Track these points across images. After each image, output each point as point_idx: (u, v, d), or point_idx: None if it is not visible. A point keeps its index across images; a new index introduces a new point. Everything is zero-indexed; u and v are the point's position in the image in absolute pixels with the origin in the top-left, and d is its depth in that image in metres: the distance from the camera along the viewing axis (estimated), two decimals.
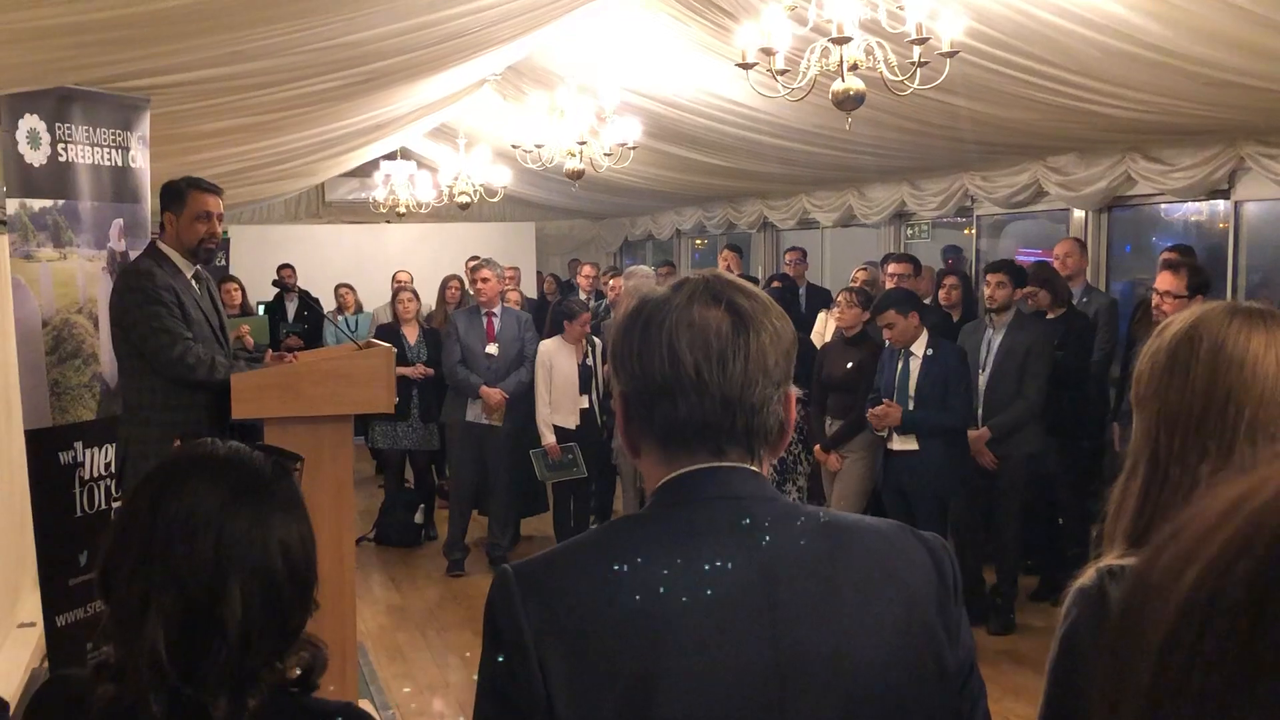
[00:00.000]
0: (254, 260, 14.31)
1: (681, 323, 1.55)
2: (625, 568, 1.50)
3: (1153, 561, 0.74)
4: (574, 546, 1.61)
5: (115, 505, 5.72)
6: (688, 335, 1.54)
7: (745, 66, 5.30)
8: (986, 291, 7.53)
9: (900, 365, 7.20)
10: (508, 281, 10.56)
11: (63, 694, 1.80)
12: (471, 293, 9.31)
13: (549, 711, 1.45)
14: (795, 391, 1.64)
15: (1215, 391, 1.70)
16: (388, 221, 15.44)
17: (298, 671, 1.76)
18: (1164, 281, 6.22)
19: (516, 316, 9.13)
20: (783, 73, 5.22)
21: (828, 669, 1.49)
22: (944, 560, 1.61)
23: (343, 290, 12.60)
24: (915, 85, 5.26)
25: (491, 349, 8.83)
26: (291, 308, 12.78)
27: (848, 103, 5.19)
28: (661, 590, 1.48)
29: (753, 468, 1.58)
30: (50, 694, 1.83)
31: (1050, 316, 7.79)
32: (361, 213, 15.94)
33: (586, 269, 13.09)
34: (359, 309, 12.48)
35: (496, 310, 8.96)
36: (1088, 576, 1.69)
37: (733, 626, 1.48)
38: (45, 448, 5.49)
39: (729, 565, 1.50)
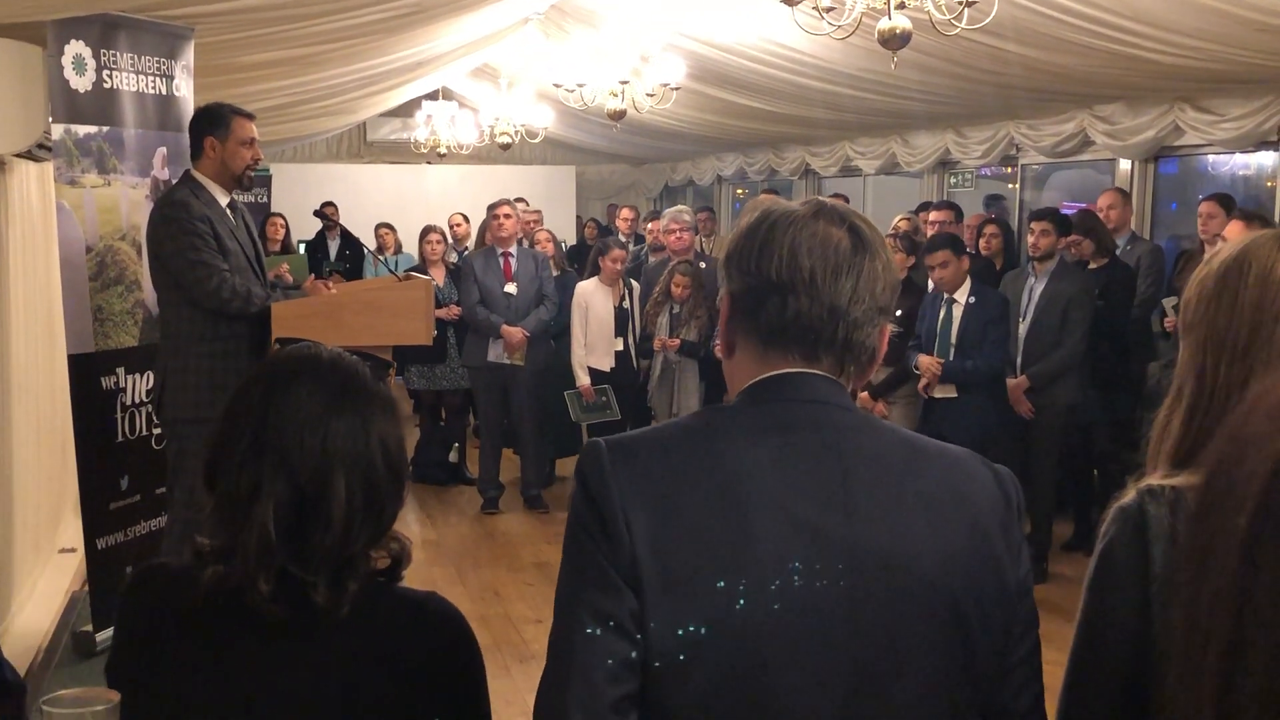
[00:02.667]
0: (295, 199, 14.30)
1: (805, 231, 1.63)
2: (713, 448, 1.59)
3: (1246, 419, 0.75)
4: (665, 427, 1.70)
5: (156, 431, 5.78)
6: (809, 244, 1.63)
7: (790, 3, 5.25)
8: (1030, 239, 7.48)
9: (943, 312, 7.17)
10: (531, 226, 10.49)
11: (163, 577, 1.90)
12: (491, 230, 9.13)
13: (634, 567, 1.52)
14: (890, 327, 1.70)
15: (1263, 317, 1.70)
16: (428, 163, 15.42)
17: (387, 561, 1.88)
18: (1234, 230, 6.19)
19: (533, 255, 9.07)
20: (829, 10, 5.17)
21: (893, 569, 1.57)
22: (1009, 487, 1.70)
23: (382, 231, 12.58)
24: (963, 26, 5.20)
25: (510, 288, 8.79)
26: (333, 246, 12.80)
27: (893, 41, 5.13)
28: (750, 471, 1.57)
29: (840, 381, 1.66)
30: (151, 576, 1.93)
31: (1093, 266, 7.73)
32: (402, 153, 15.94)
33: (625, 212, 13.04)
34: (399, 249, 12.47)
35: (513, 250, 8.90)
36: (1128, 496, 1.69)
37: (813, 514, 1.56)
38: (87, 373, 5.54)
39: (813, 460, 1.59)
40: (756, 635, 1.51)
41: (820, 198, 1.73)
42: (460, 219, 11.42)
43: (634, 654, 1.52)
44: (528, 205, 11.64)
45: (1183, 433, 1.73)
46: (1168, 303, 7.39)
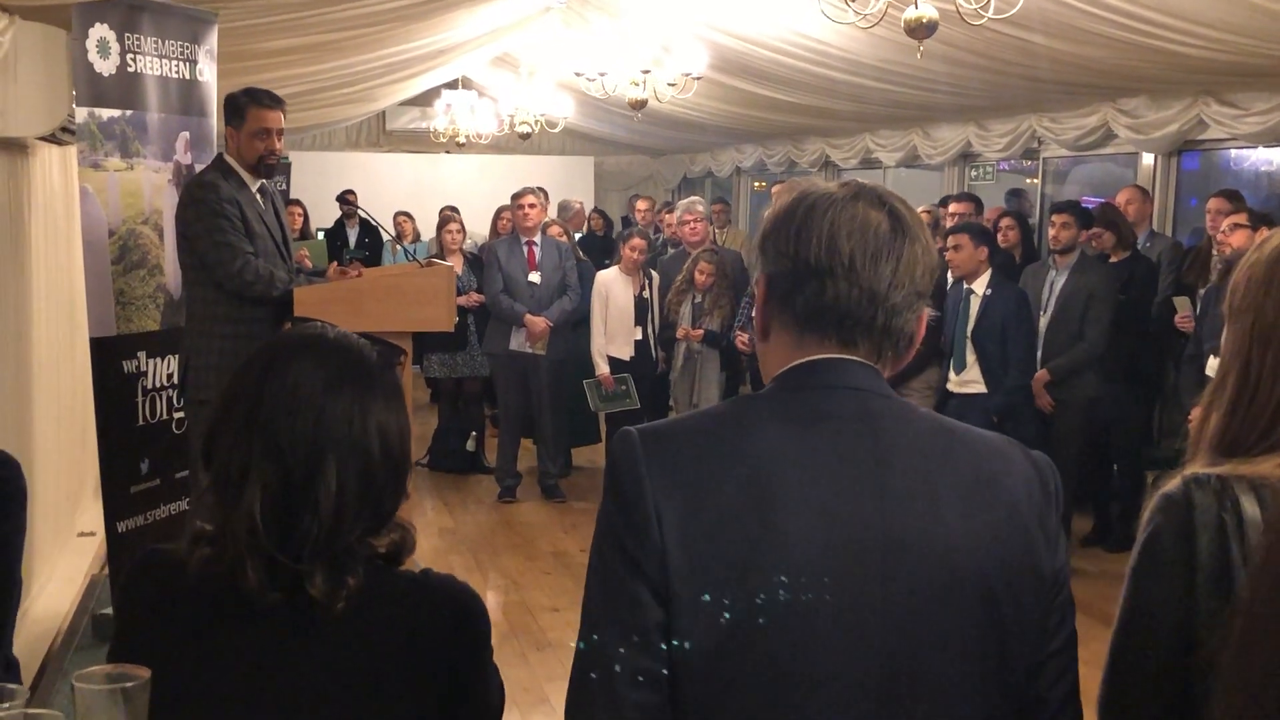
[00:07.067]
0: (314, 186, 14.34)
1: (844, 214, 1.60)
2: (746, 437, 1.57)
3: None
4: (697, 415, 1.68)
5: (177, 415, 5.79)
6: (848, 227, 1.60)
7: None
8: (1051, 232, 7.46)
9: (961, 303, 7.14)
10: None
11: (162, 562, 1.84)
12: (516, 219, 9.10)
13: (663, 561, 1.51)
14: (929, 312, 1.70)
15: None
16: (447, 152, 15.41)
17: (383, 551, 1.81)
18: (1230, 219, 6.27)
19: (557, 245, 9.05)
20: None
21: (928, 554, 1.55)
22: (1048, 475, 1.66)
23: (401, 219, 12.60)
24: (989, 16, 5.17)
25: (534, 277, 8.78)
26: (353, 234, 12.82)
27: (919, 31, 5.12)
28: (781, 460, 1.55)
29: (877, 367, 1.64)
30: (150, 562, 1.88)
31: (1114, 260, 7.69)
32: (421, 142, 15.92)
33: (641, 204, 13.05)
34: (416, 238, 12.48)
35: (537, 239, 8.90)
36: (1173, 484, 1.65)
37: (844, 501, 1.54)
38: (109, 356, 5.55)
39: (846, 446, 1.57)
40: (790, 628, 1.50)
41: (858, 179, 1.70)
42: (450, 212, 11.23)
43: (659, 667, 1.51)
44: (548, 196, 11.62)
45: (1227, 421, 1.69)
46: (1179, 301, 7.37)
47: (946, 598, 1.55)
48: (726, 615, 1.49)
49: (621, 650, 1.51)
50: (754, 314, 1.72)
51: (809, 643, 1.50)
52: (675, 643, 1.51)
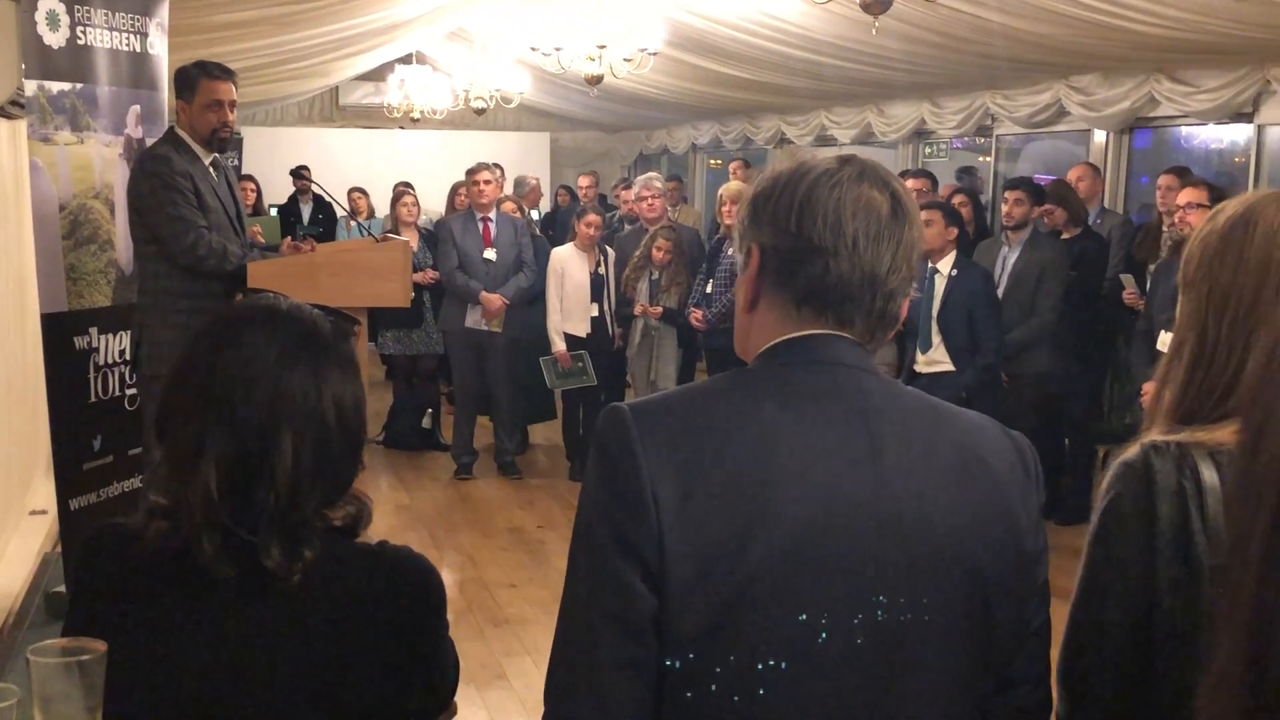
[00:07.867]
0: (266, 162, 14.21)
1: (850, 194, 1.59)
2: (741, 413, 1.55)
3: None
4: (688, 390, 1.65)
5: (129, 391, 5.74)
6: (853, 207, 1.58)
7: None
8: (1004, 208, 7.49)
9: (925, 283, 7.15)
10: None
11: (117, 536, 1.83)
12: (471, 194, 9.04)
13: (659, 543, 1.48)
14: (913, 294, 1.71)
15: (1268, 274, 1.68)
16: (401, 128, 15.32)
17: (340, 523, 1.81)
18: (1187, 195, 6.27)
19: (512, 222, 9.00)
20: None
21: (918, 529, 1.54)
22: (1028, 457, 1.67)
23: (355, 195, 12.52)
24: None
25: (489, 254, 8.74)
26: (306, 210, 12.73)
27: (874, 7, 5.16)
28: (776, 437, 1.53)
29: (868, 347, 1.64)
30: (105, 536, 1.87)
31: (1065, 236, 7.75)
32: (375, 117, 15.83)
33: (584, 180, 12.99)
34: (371, 214, 12.42)
35: (492, 215, 8.84)
36: (1132, 452, 1.67)
37: (839, 476, 1.53)
38: (60, 332, 5.48)
39: (840, 424, 1.56)
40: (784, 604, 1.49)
41: (858, 156, 1.68)
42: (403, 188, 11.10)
43: (646, 655, 1.49)
44: (504, 172, 11.56)
45: (1184, 389, 1.71)
46: (1125, 278, 7.43)
47: (937, 576, 1.54)
48: (720, 597, 1.47)
49: (608, 636, 1.48)
50: (743, 284, 1.69)
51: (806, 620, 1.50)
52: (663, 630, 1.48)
